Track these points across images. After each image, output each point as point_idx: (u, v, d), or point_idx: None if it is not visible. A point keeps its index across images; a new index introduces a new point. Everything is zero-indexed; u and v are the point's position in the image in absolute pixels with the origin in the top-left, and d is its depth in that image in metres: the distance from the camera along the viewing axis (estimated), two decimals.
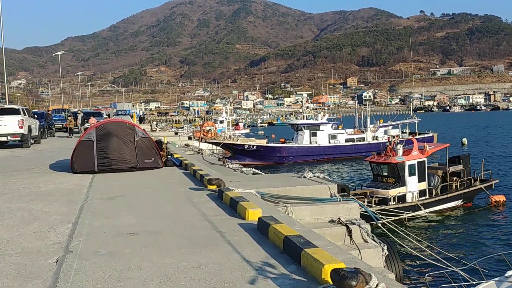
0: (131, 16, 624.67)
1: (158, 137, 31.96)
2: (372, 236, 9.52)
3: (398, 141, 24.45)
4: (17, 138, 24.06)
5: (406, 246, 13.11)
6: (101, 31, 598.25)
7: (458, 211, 23.68)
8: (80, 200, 9.22)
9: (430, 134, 53.43)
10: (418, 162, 23.88)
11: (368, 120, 51.31)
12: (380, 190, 23.06)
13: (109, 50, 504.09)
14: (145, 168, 13.49)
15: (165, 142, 16.51)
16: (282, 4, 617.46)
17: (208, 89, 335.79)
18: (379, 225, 14.68)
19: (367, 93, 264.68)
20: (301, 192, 10.26)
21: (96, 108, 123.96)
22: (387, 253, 9.52)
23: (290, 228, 5.91)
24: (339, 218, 9.66)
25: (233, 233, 6.33)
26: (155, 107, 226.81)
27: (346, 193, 10.50)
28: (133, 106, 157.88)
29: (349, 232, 9.46)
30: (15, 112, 24.40)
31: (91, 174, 12.99)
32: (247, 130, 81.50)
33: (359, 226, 9.57)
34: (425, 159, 24.44)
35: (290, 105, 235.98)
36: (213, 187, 9.73)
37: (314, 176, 11.50)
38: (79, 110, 45.43)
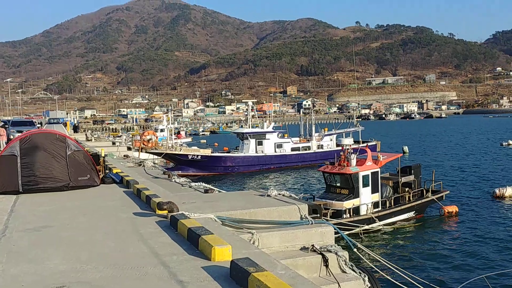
0: (66, 22, 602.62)
1: (94, 147, 29.59)
2: (351, 266, 8.23)
3: (352, 151, 23.64)
4: None
5: (377, 269, 11.95)
6: (34, 36, 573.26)
7: (412, 223, 23.11)
8: None
9: (374, 143, 53.70)
10: (372, 173, 23.13)
11: (314, 128, 50.85)
12: (334, 201, 22.06)
13: (42, 56, 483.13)
14: (79, 187, 11.58)
15: (103, 155, 14.60)
16: (222, 13, 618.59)
17: (147, 96, 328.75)
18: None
19: (307, 101, 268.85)
20: (268, 214, 8.82)
21: (27, 116, 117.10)
22: (369, 284, 8.27)
23: (275, 277, 4.45)
24: (312, 245, 8.32)
25: (199, 283, 4.77)
26: (91, 115, 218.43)
27: (317, 215, 9.16)
28: (67, 114, 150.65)
29: (325, 261, 8.13)
30: None
31: (15, 194, 10.93)
32: (189, 139, 79.25)
33: (336, 254, 8.26)
34: (379, 169, 23.76)
35: (232, 113, 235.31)
36: (164, 212, 8.09)
37: (279, 194, 10.10)
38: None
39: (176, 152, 43.31)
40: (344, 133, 53.42)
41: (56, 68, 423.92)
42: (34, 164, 11.02)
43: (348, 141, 24.41)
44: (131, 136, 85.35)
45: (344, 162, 23.18)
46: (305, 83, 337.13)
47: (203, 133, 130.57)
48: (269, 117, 61.01)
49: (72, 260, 5.65)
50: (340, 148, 50.98)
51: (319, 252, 8.17)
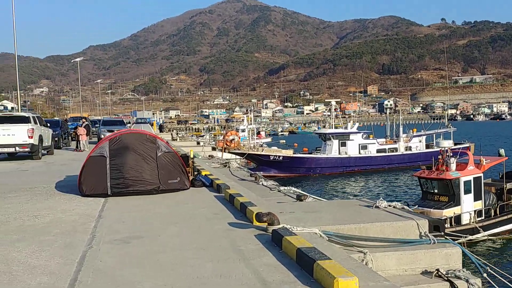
0: (152, 25, 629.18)
1: (179, 147, 29.62)
2: None
3: (451, 154, 21.60)
4: (27, 149, 21.85)
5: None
6: (122, 40, 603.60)
7: None
8: (82, 243, 6.70)
9: (467, 145, 49.97)
10: (474, 178, 21.02)
11: (401, 129, 48.27)
12: (432, 210, 20.22)
13: (130, 59, 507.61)
14: (169, 190, 10.97)
15: (192, 156, 14.01)
16: (301, 13, 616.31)
17: (227, 97, 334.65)
18: None
19: (388, 101, 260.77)
20: (381, 230, 7.59)
21: (116, 116, 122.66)
22: None
23: None
24: (437, 270, 6.99)
25: None
26: (175, 115, 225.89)
27: (440, 232, 7.79)
28: (153, 114, 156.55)
29: None
30: (24, 120, 22.17)
31: (103, 197, 10.52)
32: (269, 139, 78.89)
33: (466, 281, 6.87)
34: (482, 174, 21.56)
35: (310, 114, 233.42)
36: (263, 224, 7.15)
37: (390, 205, 8.82)
38: (83, 118, 37.27)
39: (258, 153, 42.77)
40: (434, 134, 50.38)
41: (143, 70, 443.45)
42: (124, 165, 10.54)
43: (447, 143, 22.36)
44: (213, 136, 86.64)
45: (443, 166, 21.22)
46: (387, 82, 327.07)
47: (281, 133, 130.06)
48: (352, 116, 58.79)
49: (165, 285, 4.81)
50: (430, 150, 48.41)
51: (445, 278, 6.84)
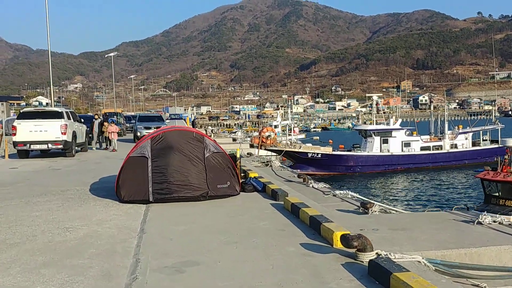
0: (183, 22, 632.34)
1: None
2: None
3: None
4: (60, 146, 20.80)
5: None
6: (154, 36, 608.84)
7: None
8: (124, 270, 5.29)
9: None
10: None
11: (446, 125, 45.74)
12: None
13: (162, 55, 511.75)
14: (218, 197, 9.53)
15: (239, 156, 12.53)
16: (333, 7, 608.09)
17: (258, 93, 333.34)
18: None
19: (423, 96, 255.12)
20: (497, 256, 5.95)
21: (149, 112, 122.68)
22: None
23: None
24: None
25: None
26: (206, 111, 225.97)
27: None
28: (184, 110, 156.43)
29: None
30: (57, 115, 21.08)
31: (144, 204, 9.15)
32: (303, 135, 77.10)
33: None
34: None
35: (342, 109, 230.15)
36: (351, 249, 5.60)
37: (495, 221, 7.15)
38: (96, 114, 33.68)
39: (296, 150, 41.10)
40: (481, 131, 47.69)
41: (175, 66, 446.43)
42: (168, 168, 9.14)
43: None
44: (245, 132, 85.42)
45: (509, 168, 19.18)
46: (421, 77, 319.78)
47: (314, 129, 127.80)
48: (393, 112, 56.44)
49: None
50: (477, 148, 45.78)
51: None
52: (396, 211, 11.55)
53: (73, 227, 7.51)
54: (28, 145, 20.53)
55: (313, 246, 6.08)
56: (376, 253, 5.38)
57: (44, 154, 22.25)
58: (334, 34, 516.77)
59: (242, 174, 12.42)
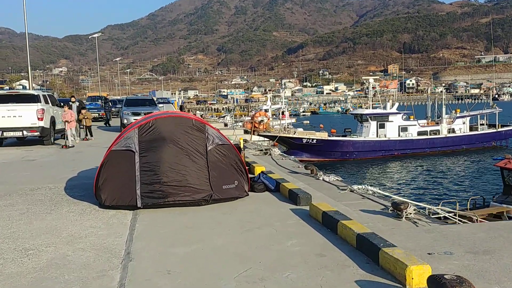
0: (169, 4, 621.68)
1: None
2: None
3: None
4: (36, 133, 18.69)
5: None
6: (140, 19, 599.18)
7: None
8: None
9: None
10: None
11: (444, 109, 44.18)
12: None
13: (148, 38, 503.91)
14: (223, 200, 7.63)
15: (242, 146, 10.64)
16: None
17: (245, 77, 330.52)
18: None
19: (410, 80, 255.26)
20: None
21: (136, 96, 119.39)
22: None
23: None
24: None
25: None
26: (193, 95, 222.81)
27: None
28: (172, 94, 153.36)
29: None
30: (33, 99, 18.87)
31: (131, 210, 7.25)
32: (293, 120, 75.20)
33: None
34: None
35: (330, 93, 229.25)
36: (415, 282, 3.77)
37: None
38: (72, 96, 28.52)
39: (291, 136, 39.26)
40: (479, 115, 46.34)
41: (161, 50, 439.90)
42: (160, 165, 7.21)
43: None
44: (234, 116, 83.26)
45: None
46: (408, 61, 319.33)
47: (303, 113, 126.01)
48: (393, 95, 54.77)
49: None
50: (475, 132, 44.46)
51: None
52: (434, 213, 9.80)
53: (35, 247, 5.58)
54: (1, 132, 18.41)
55: (375, 286, 4.23)
56: None
57: (21, 142, 20.13)
58: (321, 17, 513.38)
59: (247, 168, 10.54)
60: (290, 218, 6.80)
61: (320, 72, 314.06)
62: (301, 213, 7.03)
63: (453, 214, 10.34)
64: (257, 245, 5.52)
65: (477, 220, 10.74)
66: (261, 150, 18.74)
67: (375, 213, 7.93)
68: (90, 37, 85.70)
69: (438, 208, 10.18)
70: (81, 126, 22.55)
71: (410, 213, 8.13)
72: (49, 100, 20.17)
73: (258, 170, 10.20)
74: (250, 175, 9.40)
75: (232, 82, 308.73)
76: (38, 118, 18.54)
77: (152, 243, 5.69)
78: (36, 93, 19.77)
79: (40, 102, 18.90)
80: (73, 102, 23.63)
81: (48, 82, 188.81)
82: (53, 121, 19.71)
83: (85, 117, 22.07)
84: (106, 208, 7.40)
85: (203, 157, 7.43)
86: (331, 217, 6.04)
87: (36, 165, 13.42)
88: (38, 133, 18.70)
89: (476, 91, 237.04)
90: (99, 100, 47.09)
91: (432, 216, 9.53)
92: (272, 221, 6.58)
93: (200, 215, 6.99)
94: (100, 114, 40.85)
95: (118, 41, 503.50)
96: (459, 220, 9.83)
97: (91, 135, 22.29)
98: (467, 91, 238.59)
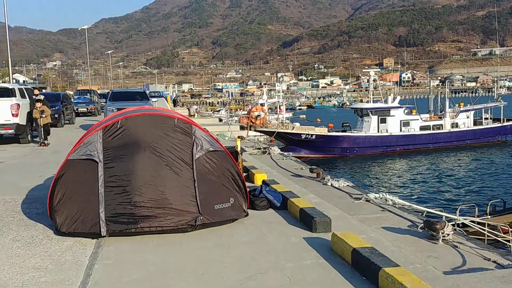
0: None
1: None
2: None
3: None
4: (10, 131, 16.89)
5: None
6: (134, 12, 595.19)
7: None
8: None
9: None
10: None
11: (447, 103, 42.48)
12: None
13: (142, 32, 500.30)
14: (215, 224, 5.85)
15: (239, 150, 8.87)
16: None
17: (240, 70, 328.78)
18: None
19: (406, 74, 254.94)
20: None
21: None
22: None
23: None
24: None
25: None
26: (188, 89, 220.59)
27: None
28: (166, 87, 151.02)
29: None
30: (6, 93, 17.05)
31: (94, 239, 5.48)
32: (290, 114, 73.45)
33: None
34: None
35: (325, 87, 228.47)
36: None
37: None
38: (35, 88, 22.29)
39: (289, 131, 37.48)
40: (483, 109, 44.72)
41: (155, 43, 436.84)
42: (132, 178, 5.41)
43: None
44: (229, 110, 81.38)
45: None
46: (403, 54, 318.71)
47: (299, 108, 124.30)
48: (394, 89, 53.05)
49: None
50: (479, 127, 42.89)
51: None
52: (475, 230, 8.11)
53: None
54: None
55: None
56: None
57: None
58: (316, 10, 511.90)
59: (245, 174, 8.75)
60: (306, 254, 5.02)
61: (316, 65, 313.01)
62: (319, 245, 5.26)
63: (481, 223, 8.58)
64: None
65: None
66: (259, 149, 17.05)
67: (402, 232, 6.38)
68: (80, 28, 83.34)
69: (471, 223, 8.45)
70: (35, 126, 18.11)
71: (448, 234, 6.47)
72: (26, 95, 18.35)
73: (258, 178, 8.44)
74: (248, 185, 7.57)
75: (227, 76, 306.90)
76: (13, 114, 16.80)
77: None
78: (11, 87, 17.92)
79: (15, 96, 17.10)
80: (36, 95, 19.16)
81: (41, 76, 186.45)
82: (30, 118, 17.90)
83: (40, 113, 17.33)
84: (64, 235, 5.63)
85: (189, 168, 5.62)
86: (368, 259, 4.29)
87: (1, 170, 11.61)
88: (13, 130, 16.93)
89: (473, 84, 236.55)
90: (88, 94, 45.26)
91: (460, 229, 7.95)
92: (282, 260, 4.81)
93: (184, 248, 5.19)
94: (89, 108, 39.07)
95: (112, 35, 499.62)
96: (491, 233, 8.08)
97: (46, 138, 17.61)
98: (463, 84, 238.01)
